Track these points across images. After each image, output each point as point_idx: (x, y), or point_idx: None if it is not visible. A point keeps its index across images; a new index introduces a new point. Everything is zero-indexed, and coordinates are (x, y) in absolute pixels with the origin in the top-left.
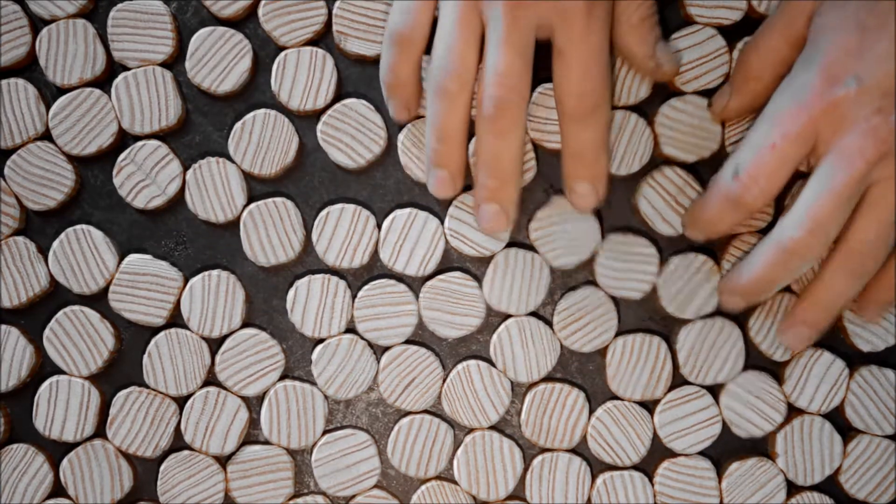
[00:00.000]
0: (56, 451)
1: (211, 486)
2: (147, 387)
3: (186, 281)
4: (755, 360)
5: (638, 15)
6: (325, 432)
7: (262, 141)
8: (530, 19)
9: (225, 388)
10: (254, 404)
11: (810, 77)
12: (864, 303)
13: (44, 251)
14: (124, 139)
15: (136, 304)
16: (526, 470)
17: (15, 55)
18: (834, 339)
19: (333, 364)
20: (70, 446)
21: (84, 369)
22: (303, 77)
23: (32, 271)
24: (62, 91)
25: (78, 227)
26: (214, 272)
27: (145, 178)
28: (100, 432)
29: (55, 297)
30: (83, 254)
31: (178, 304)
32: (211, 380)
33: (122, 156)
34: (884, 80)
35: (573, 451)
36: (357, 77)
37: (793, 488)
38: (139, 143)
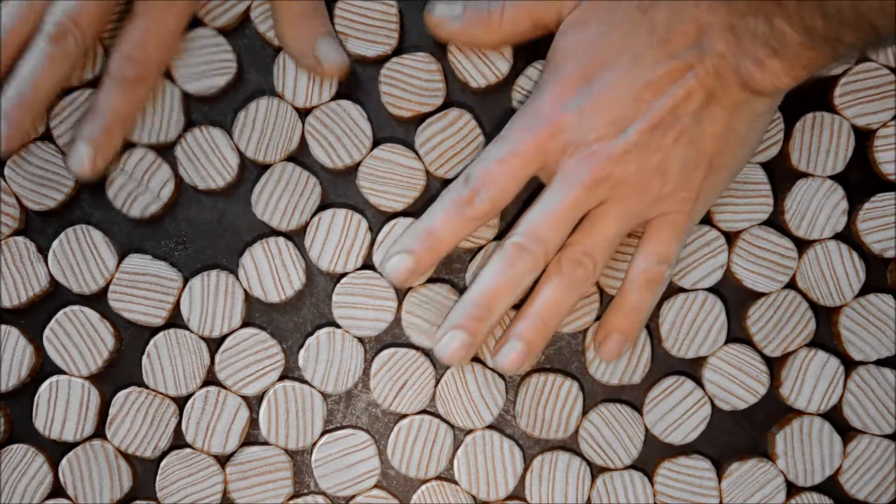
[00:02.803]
0: (56, 451)
1: (209, 487)
2: (147, 387)
3: (186, 281)
4: (736, 333)
5: (295, 10)
6: (325, 432)
7: (266, 128)
8: None
9: (225, 388)
10: (254, 403)
11: (542, 99)
12: (602, 330)
13: (44, 251)
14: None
15: (136, 304)
16: (526, 470)
17: None
18: (831, 340)
19: (321, 362)
20: (70, 446)
21: (84, 369)
22: (304, 74)
23: (32, 271)
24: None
25: (77, 226)
26: (214, 272)
27: (137, 187)
28: (99, 432)
29: (55, 297)
30: (83, 254)
31: (177, 304)
32: (211, 380)
33: (110, 167)
34: (606, 109)
35: (573, 451)
36: (353, 78)
37: (792, 489)
38: (125, 154)
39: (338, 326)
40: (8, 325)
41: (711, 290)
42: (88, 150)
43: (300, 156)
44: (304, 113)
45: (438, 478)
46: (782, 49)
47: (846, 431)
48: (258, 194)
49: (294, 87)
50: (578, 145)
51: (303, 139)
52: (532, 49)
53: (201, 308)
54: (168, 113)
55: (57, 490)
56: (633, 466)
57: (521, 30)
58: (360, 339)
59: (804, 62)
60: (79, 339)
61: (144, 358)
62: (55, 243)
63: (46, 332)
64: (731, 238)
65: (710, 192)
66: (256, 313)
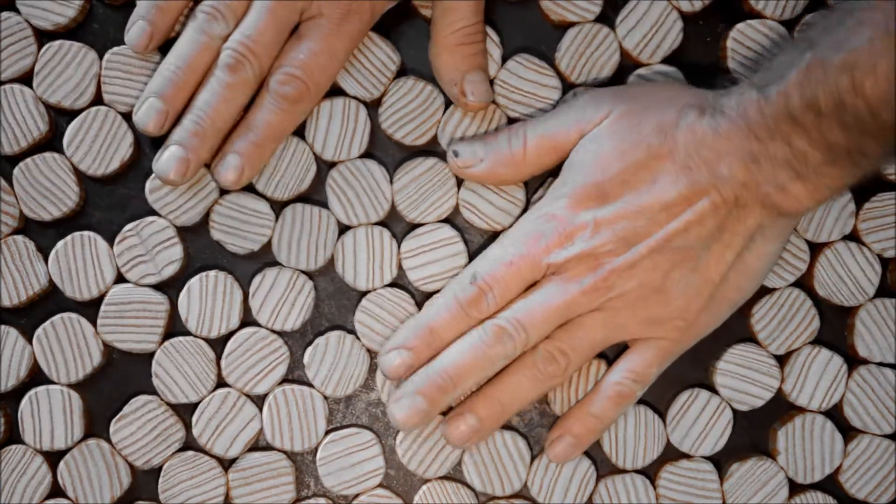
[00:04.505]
0: (54, 452)
1: (212, 490)
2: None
3: (172, 303)
4: (742, 333)
5: (454, 39)
6: (329, 431)
7: (280, 165)
8: (294, 2)
9: (238, 391)
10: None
11: (557, 206)
12: (556, 430)
13: (43, 251)
14: (141, 148)
15: (127, 334)
16: (533, 460)
17: (22, 66)
18: (834, 339)
19: (326, 363)
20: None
21: (64, 377)
22: (336, 127)
23: (32, 270)
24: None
25: (86, 233)
26: (212, 273)
27: (145, 255)
28: (91, 433)
29: (56, 298)
30: (84, 260)
31: (167, 326)
32: (222, 381)
33: (129, 226)
34: (619, 225)
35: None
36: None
37: (794, 487)
38: (149, 219)
39: (348, 331)
40: (7, 326)
41: None
42: (238, 161)
43: (314, 194)
44: (328, 165)
45: (443, 477)
46: (804, 170)
47: (847, 431)
48: (277, 243)
49: (324, 140)
50: (586, 255)
51: (314, 181)
52: (517, 42)
53: (199, 308)
54: (198, 199)
55: (57, 491)
56: (636, 470)
57: (546, 161)
58: (369, 350)
59: (828, 182)
60: (67, 347)
61: (154, 379)
62: (59, 244)
63: (38, 331)
64: None
65: (706, 324)
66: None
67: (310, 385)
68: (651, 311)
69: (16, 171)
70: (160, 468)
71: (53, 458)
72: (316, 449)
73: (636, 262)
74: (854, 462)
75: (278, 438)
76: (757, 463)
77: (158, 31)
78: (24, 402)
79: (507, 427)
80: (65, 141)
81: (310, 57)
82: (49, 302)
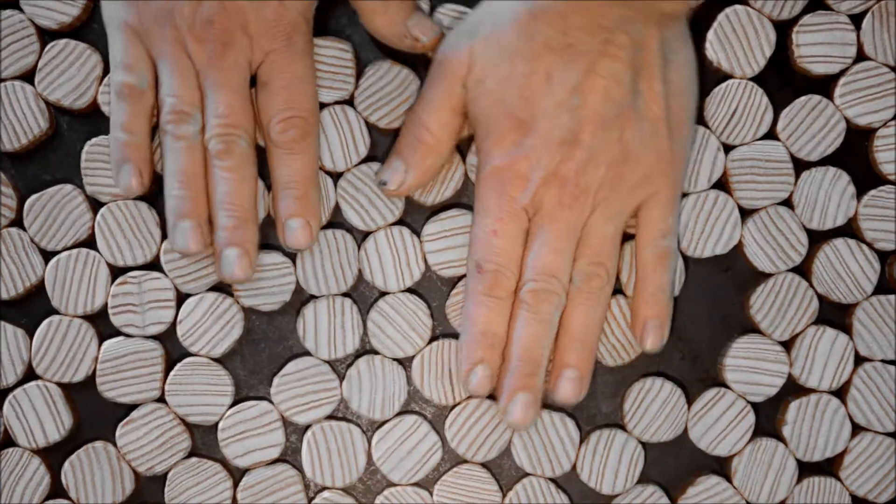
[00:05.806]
0: (56, 453)
1: (219, 494)
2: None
3: (166, 349)
4: (744, 324)
5: None
6: (377, 428)
7: None
8: (237, 59)
9: (280, 413)
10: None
11: (491, 160)
12: (637, 323)
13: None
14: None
15: (127, 387)
16: (581, 443)
17: (23, 64)
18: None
19: (365, 391)
20: (69, 449)
21: (58, 376)
22: (334, 137)
23: (28, 261)
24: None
25: (91, 253)
26: (228, 299)
27: (137, 306)
28: (99, 435)
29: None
30: (81, 278)
31: (166, 373)
32: (265, 396)
33: (134, 272)
34: (551, 135)
35: (624, 428)
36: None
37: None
38: (155, 274)
39: (368, 351)
40: (6, 323)
41: (719, 273)
42: (298, 222)
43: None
44: (336, 176)
45: (462, 462)
46: None
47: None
48: (304, 276)
49: (330, 154)
50: (547, 178)
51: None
52: None
53: (197, 321)
54: (209, 271)
55: (57, 491)
56: (665, 489)
57: (455, 126)
58: (401, 363)
59: None
60: (63, 348)
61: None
62: (63, 254)
63: (41, 327)
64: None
65: (683, 151)
66: (254, 316)
67: (350, 421)
68: (632, 178)
69: (28, 204)
70: (163, 476)
71: (52, 458)
72: (370, 449)
73: (589, 153)
74: (856, 459)
75: (319, 475)
76: (754, 447)
77: (144, 163)
78: (6, 407)
79: (557, 408)
80: (83, 167)
81: (286, 93)
82: (48, 302)
